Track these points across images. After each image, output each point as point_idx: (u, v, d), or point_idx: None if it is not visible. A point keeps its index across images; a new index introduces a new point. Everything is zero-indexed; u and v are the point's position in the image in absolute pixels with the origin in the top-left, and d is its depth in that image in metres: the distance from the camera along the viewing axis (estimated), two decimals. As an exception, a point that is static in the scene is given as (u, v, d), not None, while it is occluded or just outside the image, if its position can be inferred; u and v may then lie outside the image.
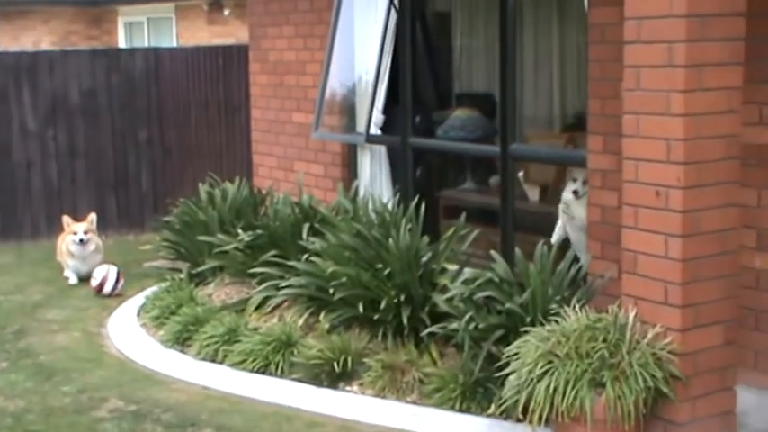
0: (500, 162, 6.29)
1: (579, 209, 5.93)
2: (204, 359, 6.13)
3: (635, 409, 4.27)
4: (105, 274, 7.95)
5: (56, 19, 18.98)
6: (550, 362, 4.41)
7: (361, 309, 5.72)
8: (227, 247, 6.94)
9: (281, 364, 5.75)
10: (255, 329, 6.16)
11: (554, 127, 7.62)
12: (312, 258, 6.13)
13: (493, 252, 5.55)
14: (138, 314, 7.27)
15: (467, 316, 5.11)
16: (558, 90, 7.56)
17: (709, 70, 4.28)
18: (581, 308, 4.68)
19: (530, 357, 4.48)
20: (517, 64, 6.20)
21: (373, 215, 6.36)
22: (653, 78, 4.36)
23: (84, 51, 11.43)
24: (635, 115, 4.47)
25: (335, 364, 5.51)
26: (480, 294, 5.19)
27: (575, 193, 5.97)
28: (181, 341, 6.43)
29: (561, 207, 6.12)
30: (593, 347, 4.39)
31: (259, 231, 6.84)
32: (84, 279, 8.27)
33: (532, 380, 4.41)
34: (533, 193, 7.04)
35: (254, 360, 5.82)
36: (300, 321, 6.10)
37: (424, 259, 5.85)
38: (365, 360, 5.58)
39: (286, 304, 6.39)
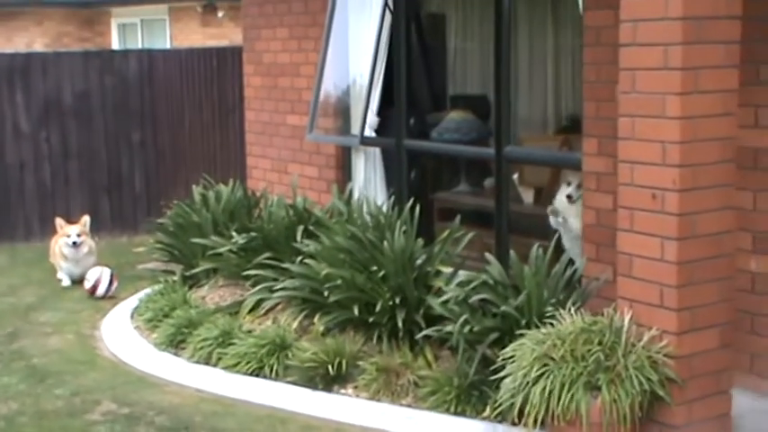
0: (495, 164, 6.28)
1: (573, 213, 5.92)
2: (198, 362, 6.10)
3: (630, 412, 4.26)
4: (99, 276, 7.93)
5: (49, 20, 18.96)
6: (546, 365, 4.40)
7: (355, 311, 5.70)
8: (221, 250, 6.92)
9: (275, 367, 5.73)
10: (249, 332, 6.14)
11: (548, 129, 7.62)
12: (306, 261, 6.11)
13: (488, 254, 5.54)
14: (132, 316, 7.25)
15: (462, 319, 5.09)
16: (552, 92, 7.56)
17: (706, 73, 4.28)
18: (576, 311, 4.67)
19: (525, 360, 4.47)
20: (512, 66, 6.20)
21: (368, 217, 6.35)
22: (649, 81, 4.35)
23: (77, 53, 11.40)
24: (630, 118, 4.46)
25: (330, 366, 5.49)
26: (475, 297, 5.18)
27: (569, 197, 5.97)
28: (174, 344, 6.41)
29: (549, 209, 6.10)
30: (589, 350, 4.38)
31: (253, 233, 6.82)
32: (78, 281, 8.25)
33: (528, 383, 4.40)
34: (528, 196, 7.03)
35: (248, 363, 5.80)
36: (295, 324, 6.08)
37: (419, 262, 5.84)
38: (360, 363, 5.57)
39: (280, 307, 6.38)
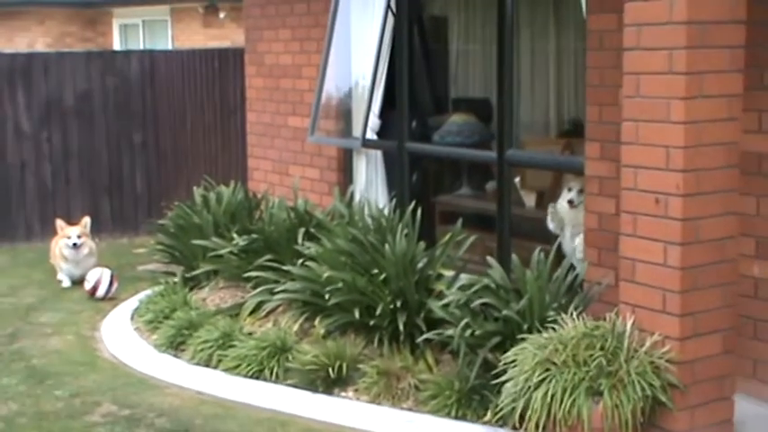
0: (496, 168, 6.27)
1: (575, 218, 5.91)
2: (198, 364, 6.09)
3: (632, 417, 4.25)
4: (99, 277, 7.91)
5: (51, 20, 18.96)
6: (548, 369, 4.40)
7: (356, 314, 5.69)
8: (222, 251, 6.91)
9: (275, 370, 5.72)
10: (250, 334, 6.13)
11: (551, 133, 7.60)
12: (307, 263, 6.10)
13: (489, 258, 5.53)
14: (132, 318, 7.24)
15: (463, 322, 5.08)
16: (554, 96, 7.54)
17: (710, 78, 4.27)
18: (578, 315, 4.66)
19: (527, 365, 4.46)
20: (514, 69, 6.18)
21: (369, 220, 6.33)
22: (653, 85, 4.34)
23: (79, 53, 11.39)
24: (634, 122, 4.45)
25: (330, 369, 5.48)
26: (477, 301, 5.17)
27: (570, 202, 5.96)
28: (175, 345, 6.40)
29: (549, 212, 6.08)
30: (591, 355, 4.37)
31: (254, 235, 6.81)
32: (78, 282, 8.24)
33: (529, 387, 4.39)
34: (530, 199, 7.02)
35: (249, 365, 5.79)
36: (295, 326, 6.07)
37: (420, 265, 5.82)
38: (360, 366, 5.55)
39: (281, 309, 6.36)
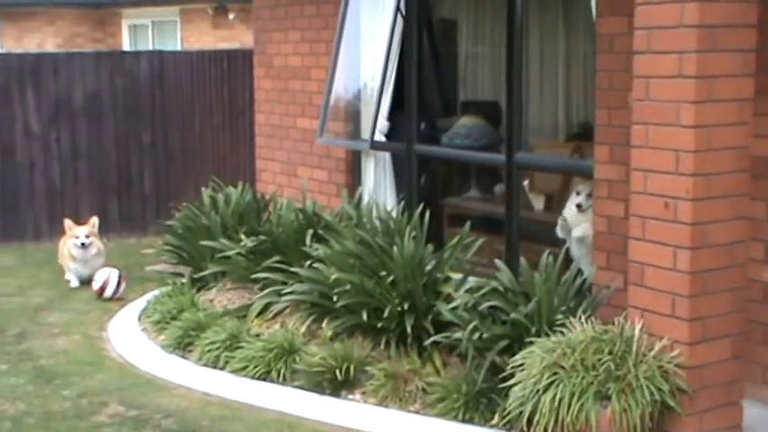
0: (505, 170, 6.26)
1: (583, 222, 5.90)
2: (205, 365, 6.09)
3: (641, 422, 4.24)
4: (107, 277, 7.92)
5: (60, 21, 19.00)
6: (556, 373, 4.38)
7: (364, 316, 5.69)
8: (230, 253, 6.91)
9: (282, 372, 5.72)
10: (257, 336, 6.13)
11: (559, 136, 7.59)
12: (315, 265, 6.10)
13: (497, 261, 5.52)
14: (140, 318, 7.24)
15: (471, 325, 5.07)
16: (563, 99, 7.53)
17: (720, 81, 4.26)
18: (587, 319, 4.64)
19: (535, 368, 4.44)
20: (523, 72, 6.17)
21: (377, 222, 6.32)
22: (663, 89, 4.33)
23: (88, 53, 11.42)
24: (644, 126, 4.44)
25: (338, 371, 5.47)
26: (485, 304, 5.15)
27: (578, 206, 5.94)
28: (182, 346, 6.40)
29: (560, 222, 6.07)
30: (599, 359, 4.36)
31: (262, 237, 6.81)
32: (86, 282, 8.24)
33: (537, 391, 4.38)
34: (538, 202, 7.00)
35: (256, 367, 5.79)
36: (303, 328, 6.06)
37: (429, 267, 5.81)
38: (368, 368, 5.54)
39: (288, 311, 6.36)
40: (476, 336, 5.03)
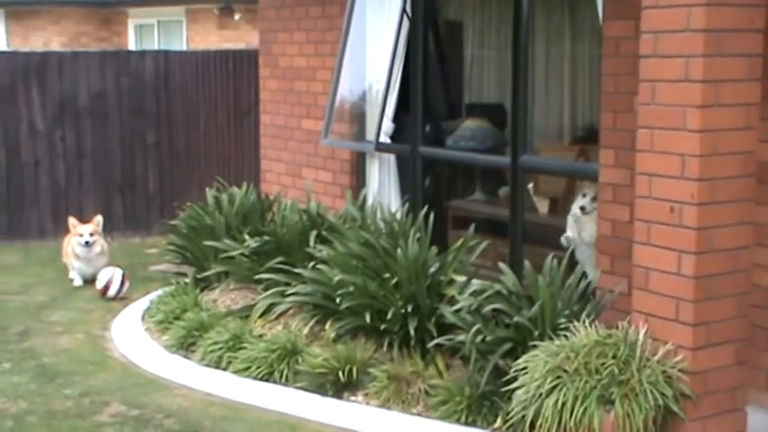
0: (510, 173, 6.25)
1: (587, 225, 5.89)
2: (208, 365, 6.09)
3: (644, 427, 4.22)
4: (110, 276, 7.92)
5: (66, 20, 19.01)
6: (559, 377, 4.37)
7: (367, 318, 5.68)
8: (234, 253, 6.91)
9: (285, 373, 5.72)
10: (260, 336, 6.13)
11: (564, 139, 7.58)
12: (319, 266, 6.09)
13: (501, 264, 5.51)
14: (143, 318, 7.24)
15: (474, 328, 5.06)
16: (569, 102, 7.52)
17: (727, 86, 4.25)
18: (590, 323, 4.63)
19: (538, 372, 4.43)
20: (529, 75, 6.17)
21: (381, 224, 6.32)
22: (669, 93, 4.32)
23: (93, 53, 11.41)
24: (650, 130, 4.43)
25: (341, 373, 5.46)
26: (488, 307, 5.15)
27: (582, 209, 5.93)
28: (185, 346, 6.40)
29: (569, 221, 6.07)
30: (603, 364, 4.34)
31: (266, 237, 6.81)
32: (90, 281, 8.25)
33: (540, 395, 4.37)
34: (543, 206, 6.99)
35: (259, 367, 5.79)
36: (306, 329, 6.06)
37: (432, 270, 5.81)
38: (371, 370, 5.54)
39: (291, 312, 6.35)
40: (479, 339, 5.02)
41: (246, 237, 6.93)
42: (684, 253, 4.28)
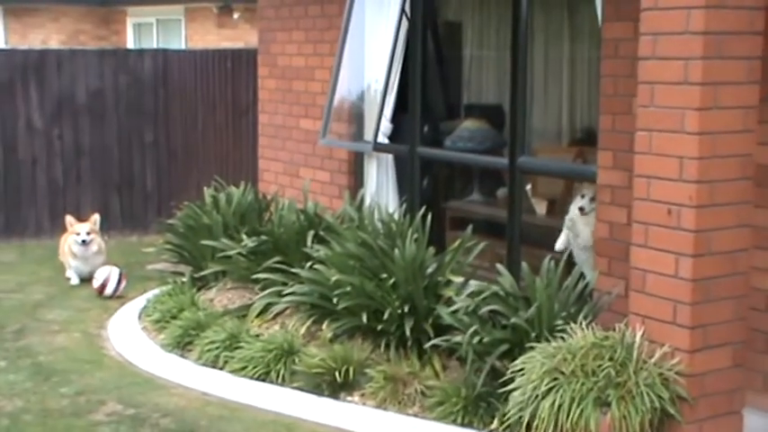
0: (508, 174, 6.25)
1: (585, 226, 5.88)
2: (205, 365, 6.08)
3: (640, 429, 4.22)
4: (107, 275, 7.91)
5: (65, 17, 19.00)
6: (556, 379, 4.37)
7: (364, 318, 5.67)
8: (231, 252, 6.90)
9: (282, 372, 5.71)
10: (257, 336, 6.12)
11: (563, 141, 7.57)
12: (316, 266, 6.08)
13: (499, 265, 5.50)
14: (140, 317, 7.23)
15: (471, 329, 5.05)
16: (567, 104, 7.51)
17: (725, 88, 4.24)
18: (587, 325, 4.63)
19: (535, 374, 4.43)
20: (528, 76, 6.16)
21: (379, 224, 6.31)
22: (667, 95, 4.31)
23: (92, 51, 11.41)
24: (648, 132, 4.42)
25: (337, 373, 5.46)
26: (485, 308, 5.14)
27: (581, 209, 5.93)
28: (181, 346, 6.39)
29: (566, 223, 6.07)
30: (600, 366, 4.34)
31: (263, 237, 6.80)
32: (86, 279, 8.23)
33: (537, 396, 4.37)
34: (541, 207, 6.99)
35: (255, 367, 5.78)
36: (303, 329, 6.05)
37: (430, 270, 5.80)
38: (367, 371, 5.53)
39: (288, 311, 6.35)
40: (476, 340, 5.01)
41: (244, 236, 6.93)
42: (682, 255, 4.28)
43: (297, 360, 5.72)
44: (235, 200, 7.57)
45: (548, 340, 4.67)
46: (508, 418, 4.60)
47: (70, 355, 6.48)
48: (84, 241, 8.30)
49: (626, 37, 5.16)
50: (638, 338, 4.41)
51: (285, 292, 6.24)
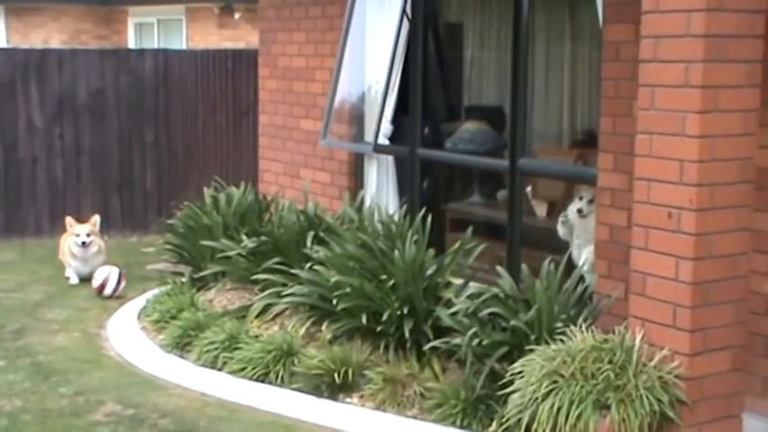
0: (508, 176, 6.24)
1: (582, 227, 5.88)
2: (204, 365, 6.08)
3: (640, 432, 4.22)
4: (107, 275, 7.91)
5: (66, 17, 19.00)
6: (555, 382, 4.36)
7: (363, 320, 5.66)
8: (231, 253, 6.89)
9: (281, 374, 5.70)
10: (256, 337, 6.11)
11: (563, 143, 7.57)
12: (316, 267, 6.08)
13: (499, 267, 5.50)
14: (139, 317, 7.23)
15: (471, 331, 5.05)
16: (568, 106, 7.51)
17: (726, 92, 4.24)
18: (587, 328, 4.62)
19: (534, 376, 4.43)
20: (528, 78, 6.16)
21: (379, 226, 6.31)
22: (668, 98, 4.31)
23: (93, 50, 11.41)
24: (648, 135, 4.42)
25: (336, 375, 5.45)
26: (485, 310, 5.13)
27: (579, 211, 5.93)
28: (181, 346, 6.39)
29: (560, 219, 6.07)
30: (599, 369, 4.34)
31: (263, 238, 6.79)
32: (86, 279, 8.23)
33: (536, 399, 4.36)
34: (541, 209, 6.99)
35: (254, 368, 5.77)
36: (302, 330, 6.05)
37: (429, 272, 5.80)
38: (366, 372, 5.53)
39: (288, 312, 6.34)
40: (475, 342, 5.01)
41: (244, 237, 6.92)
42: (682, 259, 4.27)
43: (296, 361, 5.71)
44: (235, 200, 7.57)
45: (547, 343, 4.67)
46: (507, 421, 4.59)
47: (69, 354, 6.48)
48: (83, 243, 8.29)
49: (627, 39, 5.16)
50: (637, 341, 4.41)
51: (285, 293, 6.23)
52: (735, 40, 4.24)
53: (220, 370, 5.97)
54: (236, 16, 16.38)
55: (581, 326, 4.64)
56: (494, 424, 4.90)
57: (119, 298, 7.81)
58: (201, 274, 7.28)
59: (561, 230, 6.11)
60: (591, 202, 5.87)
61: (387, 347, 5.68)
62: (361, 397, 5.45)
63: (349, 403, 5.44)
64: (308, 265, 6.18)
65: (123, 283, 7.93)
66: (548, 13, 7.32)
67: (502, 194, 7.20)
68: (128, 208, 10.56)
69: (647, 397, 4.22)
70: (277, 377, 5.70)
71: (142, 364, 6.24)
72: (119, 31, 19.16)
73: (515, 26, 6.08)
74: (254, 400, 5.54)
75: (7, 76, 10.01)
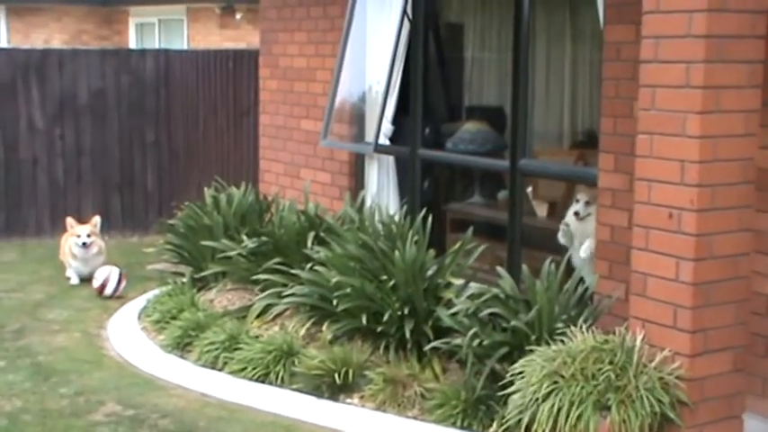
0: (509, 177, 6.24)
1: (581, 231, 5.88)
2: (204, 366, 6.07)
3: (640, 433, 4.21)
4: (107, 275, 7.91)
5: (67, 17, 19.00)
6: (555, 382, 4.36)
7: (364, 320, 5.66)
8: (231, 253, 6.89)
9: (281, 374, 5.70)
10: (257, 337, 6.11)
11: (564, 143, 7.57)
12: (316, 267, 6.08)
13: (499, 268, 5.49)
14: (139, 317, 7.22)
15: (471, 332, 5.04)
16: (569, 106, 7.51)
17: (727, 92, 4.23)
18: (588, 328, 4.62)
19: (534, 377, 4.42)
20: (529, 79, 6.16)
21: (380, 226, 6.30)
22: (669, 99, 4.31)
23: (94, 51, 11.40)
24: (649, 135, 4.41)
25: (336, 375, 5.45)
26: (486, 311, 5.13)
27: (576, 214, 5.93)
28: (181, 346, 6.38)
29: (562, 226, 6.06)
30: (600, 369, 4.33)
31: (264, 238, 6.79)
32: (87, 279, 8.22)
33: (536, 400, 4.36)
34: (541, 210, 6.98)
35: (255, 368, 5.77)
36: (302, 331, 6.04)
37: (430, 273, 5.79)
38: (367, 373, 5.52)
39: (288, 313, 6.34)
40: (476, 342, 5.00)
41: (244, 237, 6.92)
42: (683, 259, 4.27)
43: (296, 361, 5.71)
44: (235, 200, 7.56)
45: (548, 343, 4.67)
46: (507, 421, 4.59)
47: (70, 355, 6.48)
48: (84, 243, 8.29)
49: (628, 40, 5.15)
50: (638, 342, 4.40)
51: (285, 294, 6.23)
52: (736, 41, 4.23)
53: (221, 370, 5.97)
54: (238, 16, 16.37)
55: (581, 326, 4.64)
56: (494, 424, 4.89)
57: (119, 298, 7.81)
58: (202, 274, 7.28)
59: (563, 240, 6.08)
60: (588, 204, 5.86)
61: (387, 348, 5.67)
62: (362, 397, 5.45)
63: (349, 404, 5.44)
64: (309, 265, 6.18)
65: (124, 284, 7.93)
66: (548, 13, 7.32)
67: (502, 195, 7.20)
68: (128, 208, 10.55)
69: (648, 398, 4.21)
70: (277, 377, 5.69)
71: (142, 365, 6.24)
72: (120, 31, 19.16)
73: (516, 26, 6.07)
74: (255, 401, 5.54)
75: (8, 77, 10.01)
